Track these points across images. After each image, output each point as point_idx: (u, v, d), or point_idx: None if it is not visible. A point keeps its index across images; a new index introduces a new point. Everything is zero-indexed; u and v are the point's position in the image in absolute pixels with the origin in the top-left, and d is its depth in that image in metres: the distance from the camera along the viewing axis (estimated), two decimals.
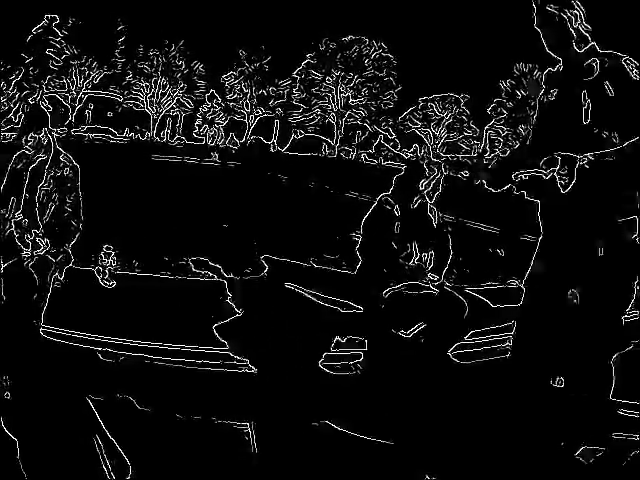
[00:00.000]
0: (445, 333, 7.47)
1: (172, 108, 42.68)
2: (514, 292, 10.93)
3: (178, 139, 40.99)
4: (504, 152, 41.39)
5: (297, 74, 42.54)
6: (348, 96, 42.17)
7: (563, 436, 6.75)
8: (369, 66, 42.19)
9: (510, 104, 41.94)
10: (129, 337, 7.41)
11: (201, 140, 41.72)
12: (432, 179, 7.54)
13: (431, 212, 7.64)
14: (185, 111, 42.81)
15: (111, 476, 5.33)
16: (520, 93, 41.77)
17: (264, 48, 41.56)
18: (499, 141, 41.74)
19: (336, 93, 42.14)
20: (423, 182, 7.52)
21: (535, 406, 7.34)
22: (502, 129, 41.77)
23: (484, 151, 41.59)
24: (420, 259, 7.46)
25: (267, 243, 12.44)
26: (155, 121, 42.24)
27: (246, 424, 6.06)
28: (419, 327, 7.27)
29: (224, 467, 5.58)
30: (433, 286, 7.46)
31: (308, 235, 16.00)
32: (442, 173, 7.64)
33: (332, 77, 42.13)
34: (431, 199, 7.63)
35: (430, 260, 7.55)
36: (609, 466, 6.52)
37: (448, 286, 7.83)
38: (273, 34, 39.46)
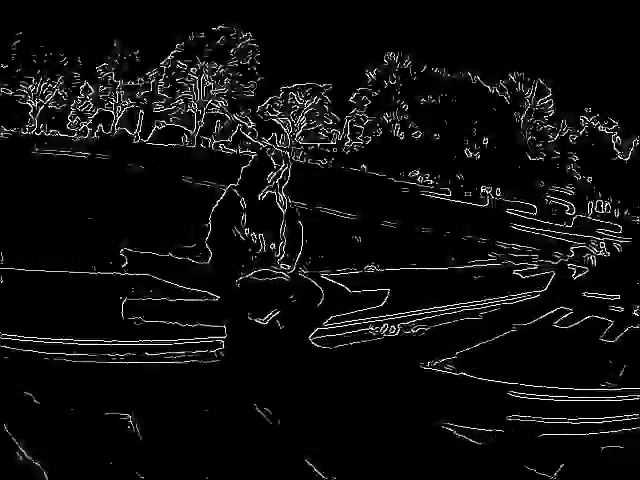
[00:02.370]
0: (303, 319, 7.59)
1: (51, 101, 42.05)
2: (371, 277, 11.29)
3: (53, 132, 40.38)
4: (366, 140, 42.00)
5: (164, 64, 42.27)
6: (210, 86, 42.08)
7: (431, 415, 7.06)
8: (234, 56, 42.18)
9: (375, 93, 42.53)
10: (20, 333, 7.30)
11: (73, 133, 41.19)
12: (279, 170, 7.65)
13: (280, 202, 7.76)
14: (60, 104, 42.18)
15: None
16: (387, 83, 42.42)
17: (138, 38, 41.32)
18: (360, 129, 42.30)
19: (199, 83, 42.00)
20: (270, 174, 7.63)
21: (402, 387, 7.65)
22: (364, 117, 42.33)
23: (344, 139, 42.10)
24: (269, 248, 7.61)
25: (127, 234, 12.45)
26: (35, 114, 41.54)
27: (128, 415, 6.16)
28: (274, 313, 7.40)
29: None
30: (285, 273, 7.60)
31: (166, 225, 16.03)
32: (289, 164, 7.78)
33: (197, 67, 41.97)
34: (279, 189, 7.75)
35: (280, 249, 7.70)
36: (508, 448, 6.86)
37: (303, 273, 8.00)
38: (148, 24, 39.29)
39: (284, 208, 7.96)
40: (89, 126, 42.08)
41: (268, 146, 8.02)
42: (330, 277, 8.51)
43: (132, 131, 41.79)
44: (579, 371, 9.32)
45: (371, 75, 42.78)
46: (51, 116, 41.91)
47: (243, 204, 7.70)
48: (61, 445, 5.69)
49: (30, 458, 5.26)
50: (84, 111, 42.33)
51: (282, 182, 7.91)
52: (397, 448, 6.39)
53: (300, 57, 39.59)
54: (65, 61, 41.52)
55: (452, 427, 6.82)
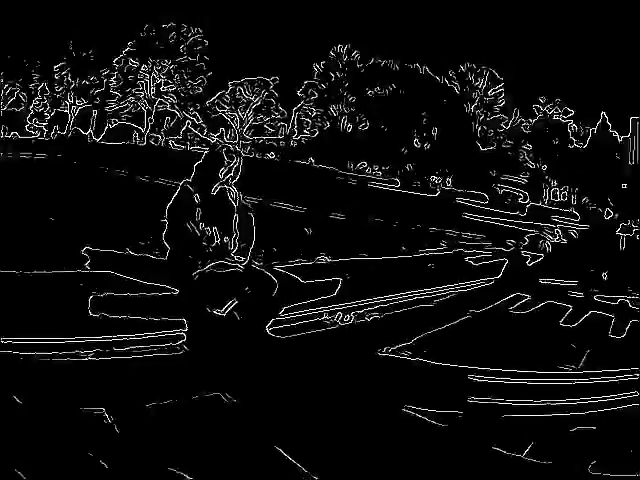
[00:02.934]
0: (258, 309, 7.69)
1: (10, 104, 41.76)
2: (323, 267, 11.41)
3: (13, 134, 40.09)
4: (313, 133, 42.06)
5: (117, 62, 42.04)
6: (160, 83, 41.93)
7: (391, 399, 7.17)
8: (184, 52, 42.06)
9: (322, 86, 42.60)
10: None
11: (30, 134, 40.92)
12: (231, 166, 7.76)
13: (232, 197, 7.86)
14: (20, 106, 41.91)
15: None
16: (334, 75, 42.50)
17: (92, 37, 41.02)
18: (307, 122, 42.34)
19: (149, 80, 41.84)
20: (222, 169, 7.74)
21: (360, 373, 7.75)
22: (312, 110, 42.40)
23: (292, 132, 42.12)
24: (222, 241, 7.71)
25: (89, 233, 12.44)
26: None
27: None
28: (231, 304, 7.50)
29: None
30: (240, 265, 7.70)
31: (123, 223, 16.04)
32: (240, 159, 7.88)
33: (148, 64, 41.80)
34: (231, 184, 7.85)
35: (233, 242, 7.80)
36: (471, 428, 6.99)
37: (257, 265, 8.10)
38: (104, 23, 39.11)
39: (236, 202, 8.09)
40: (46, 127, 41.82)
41: (219, 142, 8.13)
42: (283, 268, 8.65)
43: (86, 131, 41.59)
44: (538, 355, 9.49)
45: (318, 68, 42.82)
46: (10, 118, 41.64)
47: (197, 199, 7.83)
48: (41, 441, 5.76)
49: None
50: (42, 112, 42.08)
51: (233, 177, 8.04)
52: (360, 433, 6.49)
53: (247, 51, 39.60)
54: (26, 63, 41.25)
55: (413, 410, 6.94)
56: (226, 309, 7.61)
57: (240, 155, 8.16)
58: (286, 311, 8.53)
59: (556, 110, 43.28)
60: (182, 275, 7.81)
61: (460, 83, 42.46)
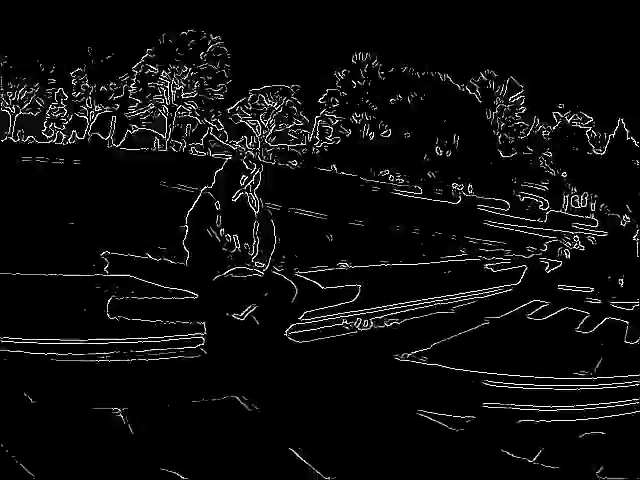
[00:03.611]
0: (278, 315, 7.78)
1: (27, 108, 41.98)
2: (344, 274, 11.46)
3: (30, 139, 40.30)
4: (335, 141, 42.11)
5: (136, 69, 42.21)
6: (180, 89, 42.09)
7: (407, 403, 7.23)
8: (204, 59, 42.21)
9: (344, 93, 42.64)
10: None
11: (48, 139, 41.12)
12: (251, 174, 7.87)
13: (253, 204, 7.96)
14: (36, 111, 42.11)
15: None
16: (356, 83, 42.54)
17: (110, 43, 41.20)
18: (329, 130, 42.39)
19: (169, 87, 42.00)
20: (243, 177, 7.85)
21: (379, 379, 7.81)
22: (333, 118, 42.44)
23: (314, 140, 42.16)
24: (243, 248, 7.80)
25: (108, 238, 12.52)
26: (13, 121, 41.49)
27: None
28: (250, 309, 7.58)
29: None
30: (259, 271, 7.79)
31: (144, 228, 16.12)
32: (260, 167, 8.00)
33: (167, 71, 41.96)
34: (251, 191, 7.95)
35: (254, 248, 7.90)
36: (485, 433, 6.98)
37: (277, 271, 8.18)
38: (121, 29, 39.29)
39: (257, 209, 8.18)
40: (63, 132, 42.01)
41: (240, 150, 8.24)
42: (304, 274, 8.70)
43: (105, 136, 41.72)
44: (554, 361, 9.50)
45: (339, 75, 42.89)
46: (28, 123, 41.87)
47: (217, 206, 7.92)
48: (54, 440, 5.83)
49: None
50: (59, 117, 42.26)
51: (254, 184, 8.13)
52: (376, 436, 6.56)
53: (269, 59, 39.70)
54: (42, 68, 41.44)
55: (428, 414, 7.00)
56: (245, 314, 7.69)
57: (260, 163, 8.24)
58: (306, 316, 8.59)
59: (575, 117, 43.17)
60: (202, 280, 7.89)
61: (481, 90, 42.43)
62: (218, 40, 42.40)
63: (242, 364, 7.56)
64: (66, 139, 41.25)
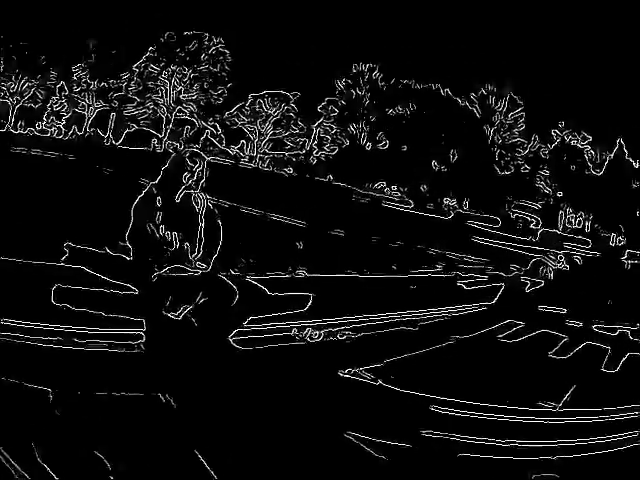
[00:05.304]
0: (217, 317, 7.53)
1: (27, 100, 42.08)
2: (298, 282, 11.14)
3: (30, 131, 40.35)
4: (332, 150, 41.99)
5: (137, 67, 42.22)
6: (180, 90, 42.01)
7: (337, 422, 6.81)
8: (205, 61, 42.15)
9: (342, 102, 42.59)
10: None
11: (46, 132, 41.15)
12: (195, 171, 7.57)
13: (197, 202, 7.68)
14: (36, 103, 42.19)
15: None
16: (355, 92, 42.47)
17: (112, 40, 41.29)
18: (327, 139, 42.30)
19: (169, 87, 41.94)
20: (186, 175, 7.56)
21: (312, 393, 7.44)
22: (331, 127, 42.35)
23: (312, 148, 42.06)
24: (182, 247, 7.53)
25: (78, 231, 12.34)
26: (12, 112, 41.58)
27: None
28: (185, 309, 7.37)
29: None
30: (199, 272, 7.53)
31: (116, 223, 15.98)
32: (204, 163, 7.68)
33: (168, 71, 41.92)
34: (195, 190, 7.66)
35: (195, 248, 7.62)
36: (416, 464, 6.41)
37: (222, 273, 7.91)
38: (124, 26, 39.37)
39: (203, 207, 7.93)
40: (63, 126, 42.05)
41: (183, 146, 8.04)
42: (254, 279, 8.48)
43: (104, 133, 41.77)
44: (518, 388, 8.95)
45: (339, 85, 42.79)
46: (27, 114, 41.96)
47: (159, 202, 7.69)
48: None
49: None
50: (59, 111, 42.31)
51: (197, 182, 7.86)
52: (295, 453, 6.17)
53: (269, 65, 39.63)
54: (44, 60, 41.50)
55: (356, 437, 6.52)
56: (180, 314, 7.48)
57: (204, 159, 7.96)
58: (254, 322, 8.34)
59: (574, 135, 42.94)
60: (141, 276, 7.69)
61: (480, 106, 42.27)
62: (220, 42, 42.32)
63: (175, 364, 7.37)
64: (66, 133, 41.29)
